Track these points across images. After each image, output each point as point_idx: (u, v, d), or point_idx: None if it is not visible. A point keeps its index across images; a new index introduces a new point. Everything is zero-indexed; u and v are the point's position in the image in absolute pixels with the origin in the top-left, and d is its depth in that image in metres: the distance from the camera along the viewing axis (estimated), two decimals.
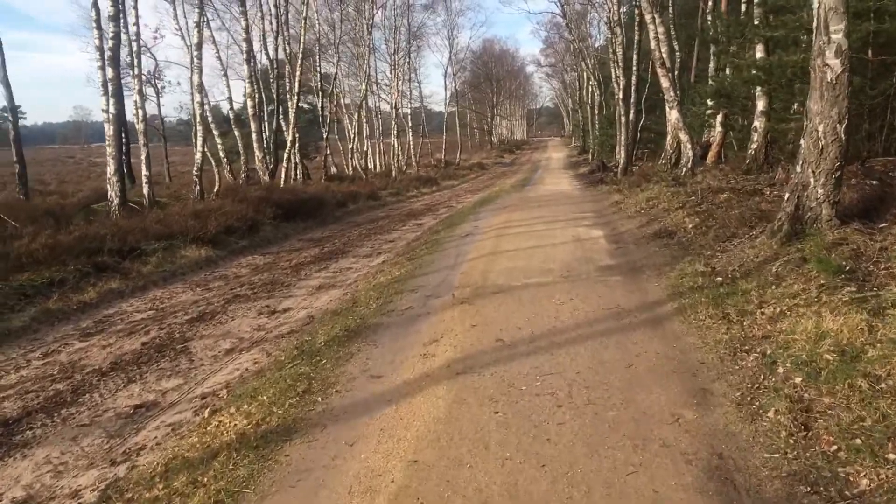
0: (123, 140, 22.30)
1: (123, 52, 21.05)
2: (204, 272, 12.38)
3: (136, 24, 19.57)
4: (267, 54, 30.00)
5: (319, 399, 5.47)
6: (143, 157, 18.62)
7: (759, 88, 16.32)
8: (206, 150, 25.57)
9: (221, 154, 27.95)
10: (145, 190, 18.62)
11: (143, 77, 29.97)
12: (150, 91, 33.14)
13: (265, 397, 5.63)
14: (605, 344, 5.96)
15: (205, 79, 26.85)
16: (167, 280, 11.65)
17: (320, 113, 36.71)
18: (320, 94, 36.41)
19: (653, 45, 19.07)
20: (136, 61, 19.40)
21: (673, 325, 6.33)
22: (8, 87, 17.13)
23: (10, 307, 9.21)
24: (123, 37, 19.57)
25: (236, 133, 28.21)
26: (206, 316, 9.06)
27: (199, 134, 20.69)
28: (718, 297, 6.73)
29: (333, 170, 42.69)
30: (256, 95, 27.04)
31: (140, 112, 18.84)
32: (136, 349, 7.73)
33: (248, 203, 16.95)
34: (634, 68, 27.45)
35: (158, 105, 33.46)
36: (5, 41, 31.35)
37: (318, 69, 36.75)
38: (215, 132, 27.78)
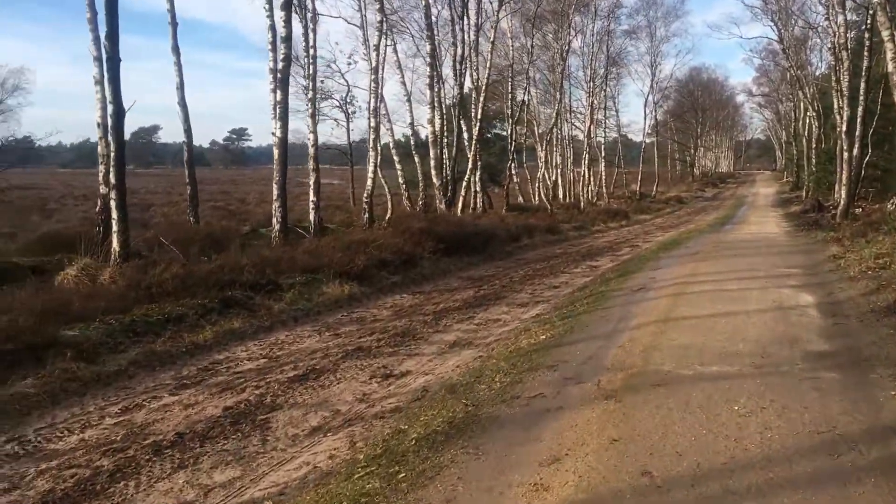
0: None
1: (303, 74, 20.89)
2: (341, 312, 11.24)
3: (314, 46, 19.20)
4: (457, 79, 29.18)
5: None
6: (311, 181, 18.09)
7: None
8: (379, 176, 25.11)
9: (400, 180, 27.38)
10: (311, 216, 18.08)
11: (337, 102, 30.23)
12: (341, 116, 33.51)
13: None
14: None
15: (392, 104, 26.47)
16: (298, 320, 10.59)
17: (509, 140, 35.53)
18: (510, 120, 35.22)
19: (890, 66, 15.98)
20: (311, 84, 19.00)
21: None
22: (185, 108, 17.19)
23: (114, 347, 8.41)
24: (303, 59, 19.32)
25: (416, 159, 27.53)
26: (312, 374, 7.77)
27: (372, 160, 20.01)
28: None
29: (520, 199, 41.43)
30: (438, 121, 26.25)
31: (312, 136, 18.38)
32: (215, 416, 6.54)
33: (408, 235, 15.83)
34: (861, 98, 23.90)
35: (348, 130, 33.66)
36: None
37: (509, 95, 35.58)
38: (395, 157, 27.29)
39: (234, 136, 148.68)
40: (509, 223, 22.76)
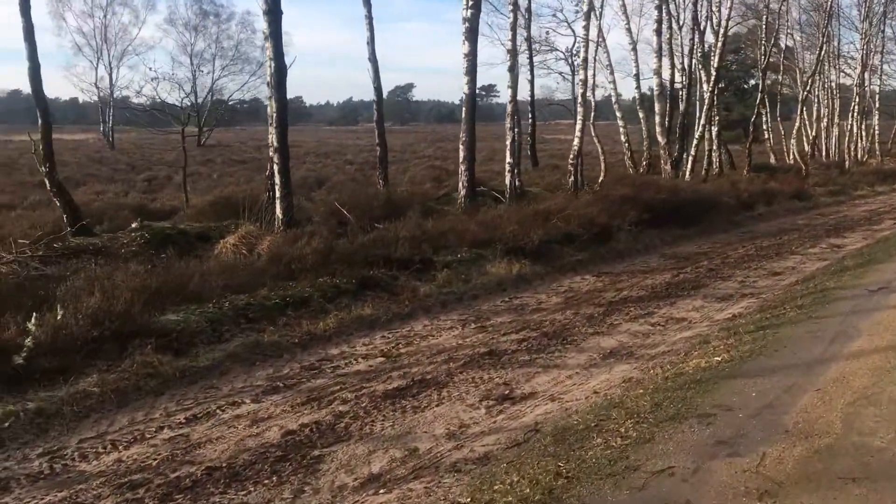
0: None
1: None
2: (501, 298, 9.68)
3: None
4: (695, 23, 25.78)
5: None
6: (507, 141, 16.54)
7: None
8: (593, 134, 22.98)
9: (623, 139, 24.92)
10: (507, 179, 16.58)
11: (562, 54, 28.25)
12: (566, 69, 31.37)
13: None
14: None
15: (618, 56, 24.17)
16: (446, 306, 9.19)
17: (758, 91, 31.36)
18: (760, 67, 30.95)
19: None
20: (512, 35, 17.25)
21: None
22: (374, 63, 16.29)
23: (218, 335, 7.52)
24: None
25: (641, 115, 24.89)
26: (416, 387, 6.35)
27: (580, 116, 18.01)
28: None
29: (771, 159, 36.78)
30: (667, 72, 23.48)
31: (510, 91, 16.79)
32: (270, 442, 5.33)
33: (605, 203, 13.81)
34: None
35: (573, 84, 31.44)
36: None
37: (762, 39, 31.16)
38: (618, 114, 24.89)
39: (483, 93, 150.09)
40: (742, 188, 19.66)
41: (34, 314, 6.99)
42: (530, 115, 28.71)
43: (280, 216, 11.59)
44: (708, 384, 5.41)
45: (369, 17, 16.02)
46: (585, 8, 17.77)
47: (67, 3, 61.45)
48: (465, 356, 7.17)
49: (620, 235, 13.20)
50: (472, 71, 14.37)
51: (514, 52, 16.84)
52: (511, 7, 16.72)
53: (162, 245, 10.86)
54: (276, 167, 11.57)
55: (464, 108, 14.68)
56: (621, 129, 24.93)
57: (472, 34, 14.32)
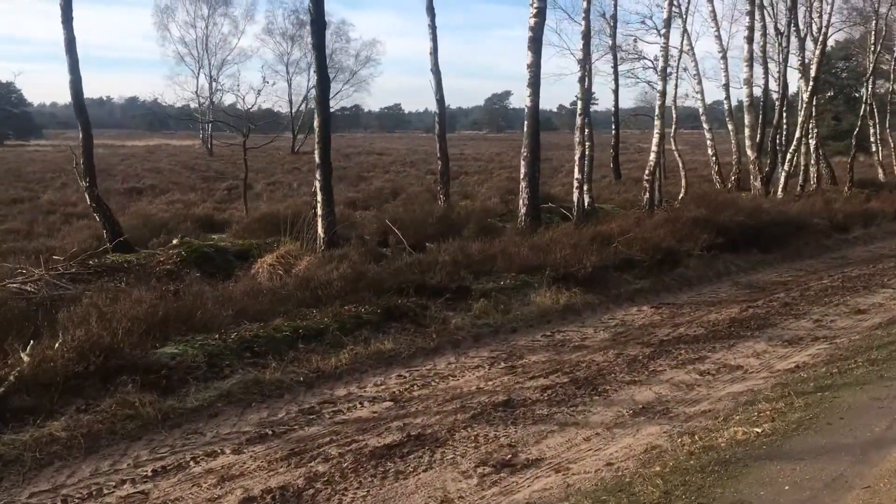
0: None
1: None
2: (542, 332, 8.86)
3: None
4: (793, 30, 24.10)
5: None
6: (576, 155, 15.63)
7: None
8: (674, 147, 21.79)
9: (710, 152, 23.49)
10: (575, 196, 15.68)
11: (650, 63, 27.04)
12: (655, 79, 29.89)
13: None
14: None
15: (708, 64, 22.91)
16: (479, 341, 8.44)
17: (863, 101, 29.19)
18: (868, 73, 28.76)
19: None
20: (584, 43, 16.30)
21: None
22: (437, 75, 15.65)
23: (217, 371, 7.00)
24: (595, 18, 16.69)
25: (730, 128, 23.39)
26: (410, 444, 5.64)
27: (657, 129, 16.93)
28: None
29: (880, 174, 34.18)
30: (761, 80, 21.99)
31: (581, 104, 15.89)
32: None
33: (674, 225, 12.75)
34: None
35: (663, 94, 29.97)
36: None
37: (872, 46, 28.95)
38: (705, 126, 23.49)
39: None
40: (836, 208, 18.03)
41: (31, 342, 6.66)
42: (613, 126, 27.49)
43: (321, 235, 11.11)
44: (736, 467, 4.48)
45: (432, 27, 15.42)
46: (665, 15, 16.66)
47: (171, 14, 63.97)
48: (478, 405, 6.42)
49: (690, 261, 12.11)
50: (534, 83, 13.54)
51: (585, 63, 15.88)
52: (583, 14, 15.80)
53: (198, 263, 10.54)
54: (318, 184, 11.09)
55: (525, 123, 13.87)
56: (709, 142, 23.52)
57: (535, 44, 13.50)
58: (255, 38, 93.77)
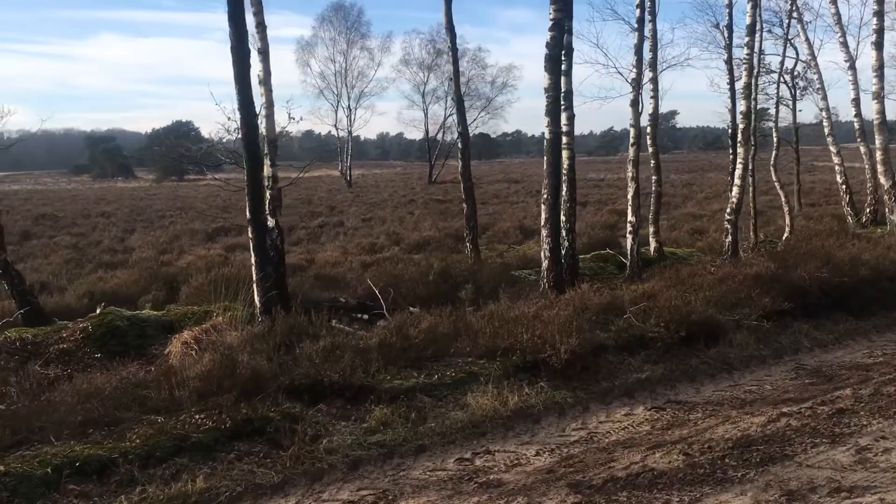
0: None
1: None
2: (452, 456, 6.39)
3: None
4: None
5: None
6: (629, 193, 12.88)
7: None
8: (774, 178, 18.31)
9: (839, 179, 19.60)
10: (628, 242, 12.99)
11: (783, 78, 23.48)
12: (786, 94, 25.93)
13: None
14: None
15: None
16: (352, 471, 6.08)
17: None
18: None
19: None
20: (636, 59, 13.53)
21: None
22: (460, 103, 13.40)
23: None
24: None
25: (862, 150, 19.42)
26: None
27: (741, 158, 13.86)
28: None
29: None
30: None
31: (633, 129, 13.19)
32: None
33: (726, 286, 9.80)
34: None
35: (794, 111, 25.79)
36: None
37: None
38: (832, 150, 19.68)
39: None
40: None
41: None
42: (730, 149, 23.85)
43: (258, 303, 9.22)
44: None
45: (453, 49, 13.15)
46: (748, 20, 13.60)
47: (312, 51, 65.97)
48: None
49: (737, 335, 9.18)
50: (553, 111, 11.00)
51: (637, 83, 13.09)
52: (636, 25, 13.07)
53: (104, 341, 8.94)
54: (251, 242, 9.22)
55: (545, 159, 11.34)
56: (837, 167, 19.70)
57: (551, 63, 10.96)
58: (392, 69, 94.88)
